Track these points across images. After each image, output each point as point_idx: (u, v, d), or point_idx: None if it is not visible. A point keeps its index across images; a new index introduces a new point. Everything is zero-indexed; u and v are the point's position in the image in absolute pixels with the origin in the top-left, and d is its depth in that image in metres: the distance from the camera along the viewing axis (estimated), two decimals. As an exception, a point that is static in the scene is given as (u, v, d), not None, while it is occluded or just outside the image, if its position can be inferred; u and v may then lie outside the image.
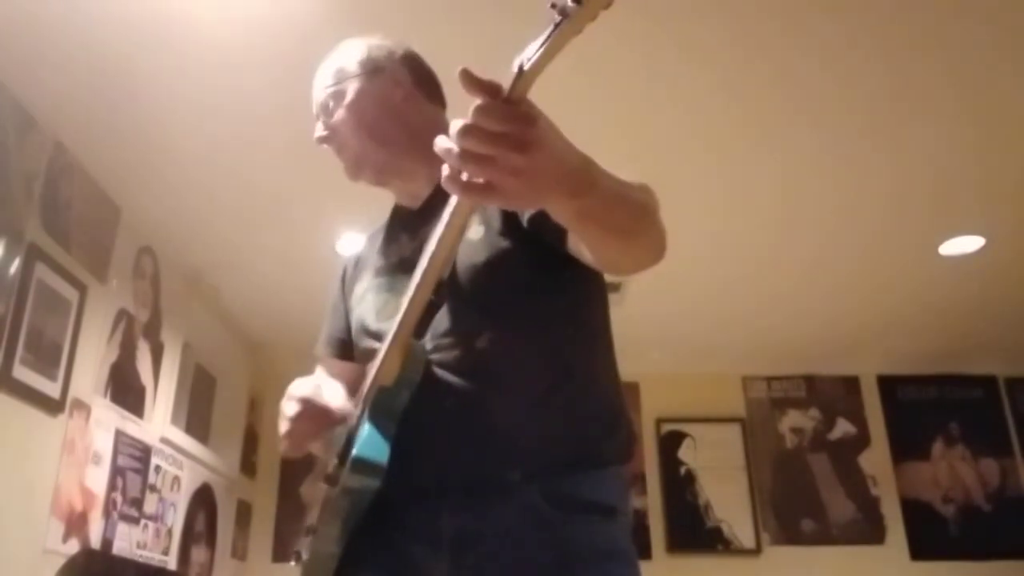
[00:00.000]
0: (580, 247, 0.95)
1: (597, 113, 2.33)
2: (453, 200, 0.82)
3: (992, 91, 2.27)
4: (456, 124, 0.66)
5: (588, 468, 1.03)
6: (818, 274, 3.36)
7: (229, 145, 2.47)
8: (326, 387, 1.13)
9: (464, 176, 0.69)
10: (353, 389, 1.14)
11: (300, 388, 1.10)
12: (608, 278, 1.16)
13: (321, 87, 1.24)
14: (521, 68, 0.64)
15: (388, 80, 1.22)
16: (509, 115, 0.65)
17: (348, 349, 1.27)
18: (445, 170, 0.69)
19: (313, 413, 1.08)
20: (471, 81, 0.65)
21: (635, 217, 0.85)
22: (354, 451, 0.99)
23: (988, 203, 2.84)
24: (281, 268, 3.27)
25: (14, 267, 2.17)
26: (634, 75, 2.21)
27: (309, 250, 3.09)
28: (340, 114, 1.20)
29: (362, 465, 0.98)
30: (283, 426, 1.11)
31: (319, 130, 1.23)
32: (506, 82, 0.65)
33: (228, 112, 2.32)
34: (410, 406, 1.02)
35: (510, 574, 0.98)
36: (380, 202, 1.36)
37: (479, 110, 0.65)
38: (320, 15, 1.96)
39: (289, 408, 1.09)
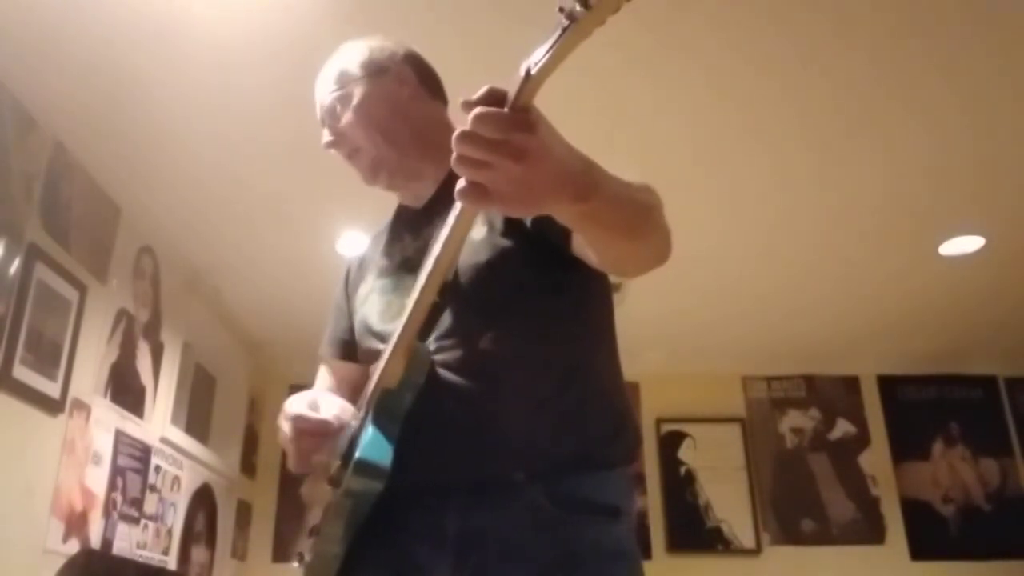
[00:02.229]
0: (585, 249, 0.95)
1: (593, 115, 2.32)
2: (458, 203, 0.82)
3: (993, 91, 2.27)
4: (458, 130, 0.66)
5: (592, 469, 1.03)
6: (818, 274, 3.37)
7: (229, 145, 2.47)
8: (322, 399, 1.11)
9: (462, 181, 0.69)
10: (357, 390, 1.14)
11: (294, 405, 1.09)
12: (610, 278, 1.16)
13: (325, 92, 1.22)
14: (528, 72, 0.64)
15: (393, 80, 1.21)
16: (507, 123, 0.65)
17: (352, 350, 1.26)
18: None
19: (309, 429, 1.07)
20: (470, 105, 0.66)
21: (639, 219, 0.85)
22: (357, 453, 0.99)
23: (988, 203, 2.84)
24: (281, 268, 3.27)
25: (14, 267, 2.17)
26: (633, 79, 2.21)
27: (309, 250, 3.09)
28: (348, 117, 1.19)
29: (365, 467, 0.98)
30: (284, 445, 1.10)
31: (326, 136, 1.22)
32: (513, 86, 0.65)
33: (228, 111, 2.31)
34: (414, 407, 1.02)
35: (514, 574, 0.97)
36: (380, 202, 1.36)
37: (477, 117, 0.65)
38: (320, 13, 1.96)
39: (285, 428, 1.08)
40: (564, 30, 0.60)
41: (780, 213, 2.91)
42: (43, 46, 2.04)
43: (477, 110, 0.65)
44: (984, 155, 2.56)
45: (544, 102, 0.70)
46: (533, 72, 0.64)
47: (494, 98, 0.66)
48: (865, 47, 2.11)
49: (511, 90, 0.66)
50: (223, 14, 1.97)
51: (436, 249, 0.90)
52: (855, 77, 2.21)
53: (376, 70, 1.21)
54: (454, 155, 0.67)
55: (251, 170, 2.62)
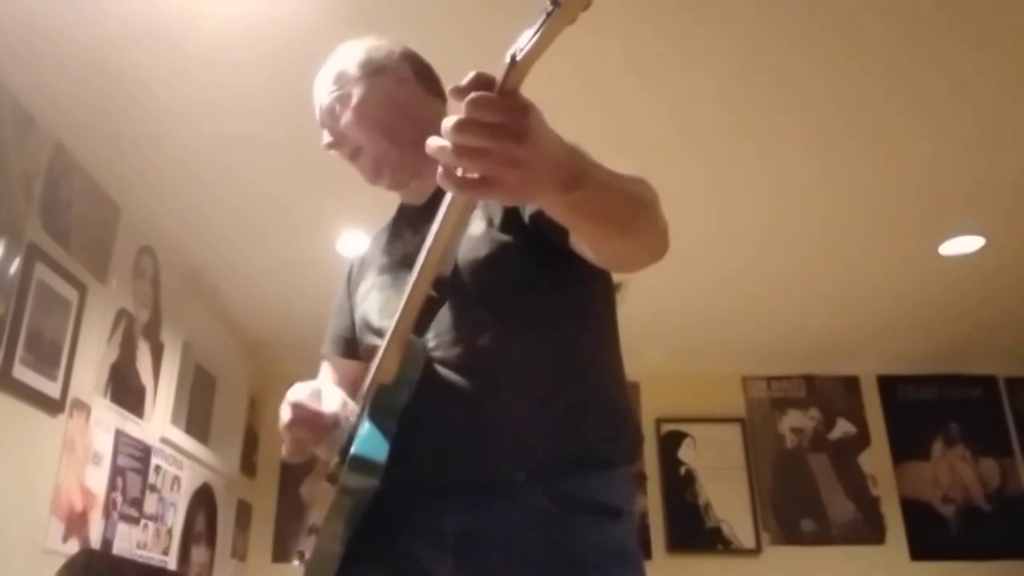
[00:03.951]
0: (582, 244, 0.94)
1: (591, 113, 2.32)
2: (449, 195, 0.81)
3: (993, 91, 2.27)
4: (449, 120, 0.65)
5: (594, 469, 1.03)
6: (818, 274, 3.36)
7: (229, 144, 2.47)
8: (325, 392, 1.11)
9: (460, 172, 0.67)
10: (359, 387, 1.14)
11: (296, 393, 1.09)
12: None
13: (324, 93, 1.22)
14: (514, 59, 0.63)
15: (391, 78, 1.21)
16: (503, 105, 0.64)
17: (353, 347, 1.26)
18: (440, 168, 0.68)
19: (305, 418, 1.07)
20: (461, 90, 0.64)
21: (630, 211, 0.83)
22: (352, 449, 0.98)
23: (988, 203, 2.84)
24: (281, 268, 3.27)
25: (14, 267, 2.17)
26: (630, 76, 2.22)
27: (309, 250, 3.09)
28: (347, 117, 1.19)
29: (360, 463, 0.97)
30: (282, 433, 1.10)
31: (326, 137, 1.22)
32: (499, 74, 0.64)
33: (228, 111, 2.32)
34: (412, 404, 1.01)
35: (515, 575, 0.97)
36: (380, 202, 1.36)
37: (473, 102, 0.64)
38: (319, 12, 1.96)
39: (284, 414, 1.08)
40: (548, 15, 0.60)
41: (780, 213, 2.91)
42: (43, 46, 2.04)
43: (471, 95, 0.64)
44: (984, 155, 2.56)
45: (541, 102, 0.69)
46: (519, 58, 0.63)
47: (482, 83, 0.65)
48: (864, 48, 2.11)
49: (498, 77, 0.65)
50: (223, 13, 1.97)
51: (428, 242, 0.89)
52: (855, 77, 2.21)
53: (374, 69, 1.21)
54: (451, 145, 0.65)
55: (251, 170, 2.62)
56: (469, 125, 0.64)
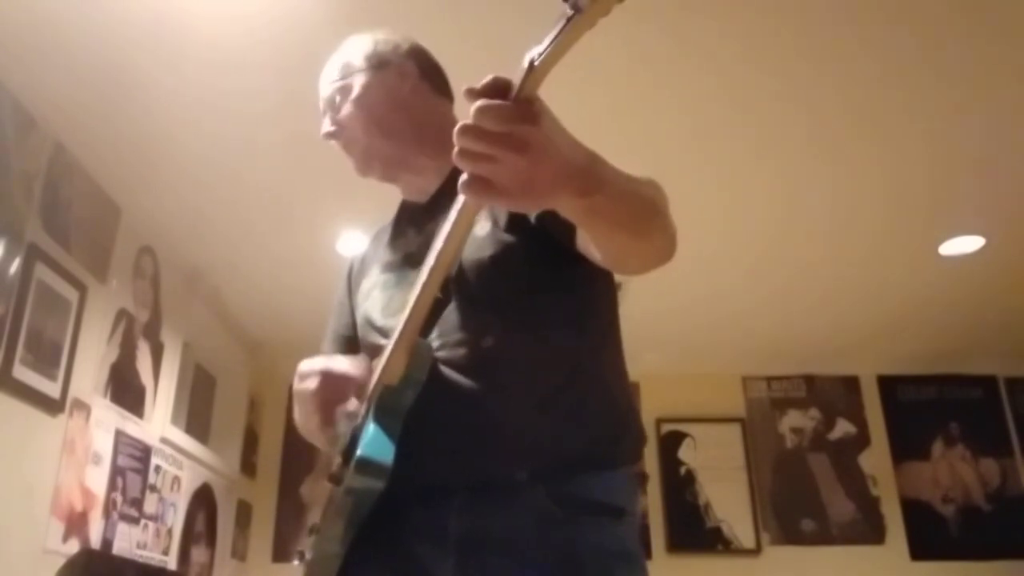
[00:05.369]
0: (589, 246, 0.94)
1: (595, 113, 2.32)
2: (460, 197, 0.81)
3: (994, 92, 2.27)
4: (458, 125, 0.66)
5: (596, 469, 1.02)
6: (818, 274, 3.37)
7: (229, 145, 2.47)
8: (334, 359, 1.10)
9: (465, 175, 0.68)
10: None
11: (313, 363, 1.07)
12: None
13: (327, 82, 1.23)
14: (532, 64, 0.63)
15: (394, 73, 1.21)
16: (509, 115, 0.64)
17: (354, 346, 1.26)
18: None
19: (334, 381, 1.05)
20: (475, 93, 0.65)
21: (645, 215, 0.84)
22: (358, 451, 0.98)
23: (988, 203, 2.84)
24: (281, 268, 3.27)
25: (14, 267, 2.17)
26: (634, 76, 2.22)
27: (309, 250, 3.09)
28: (347, 108, 1.20)
29: (366, 466, 0.97)
30: (309, 402, 1.06)
31: (326, 125, 1.23)
32: (516, 78, 0.65)
33: (228, 111, 2.31)
34: (416, 405, 1.01)
35: (516, 575, 0.97)
36: (381, 202, 1.36)
37: (478, 110, 0.64)
38: (320, 13, 1.96)
39: (311, 383, 1.06)
40: (568, 20, 0.59)
41: (780, 213, 2.91)
42: (43, 46, 2.04)
43: (479, 103, 0.64)
44: (984, 155, 2.56)
45: (549, 101, 0.69)
46: (536, 63, 0.63)
47: (498, 87, 0.65)
48: (867, 48, 2.11)
49: (515, 81, 0.65)
50: (223, 14, 1.97)
51: (438, 244, 0.89)
52: (856, 78, 2.21)
53: (378, 63, 1.21)
54: (456, 149, 0.66)
55: (252, 170, 2.62)
56: (473, 131, 0.65)
